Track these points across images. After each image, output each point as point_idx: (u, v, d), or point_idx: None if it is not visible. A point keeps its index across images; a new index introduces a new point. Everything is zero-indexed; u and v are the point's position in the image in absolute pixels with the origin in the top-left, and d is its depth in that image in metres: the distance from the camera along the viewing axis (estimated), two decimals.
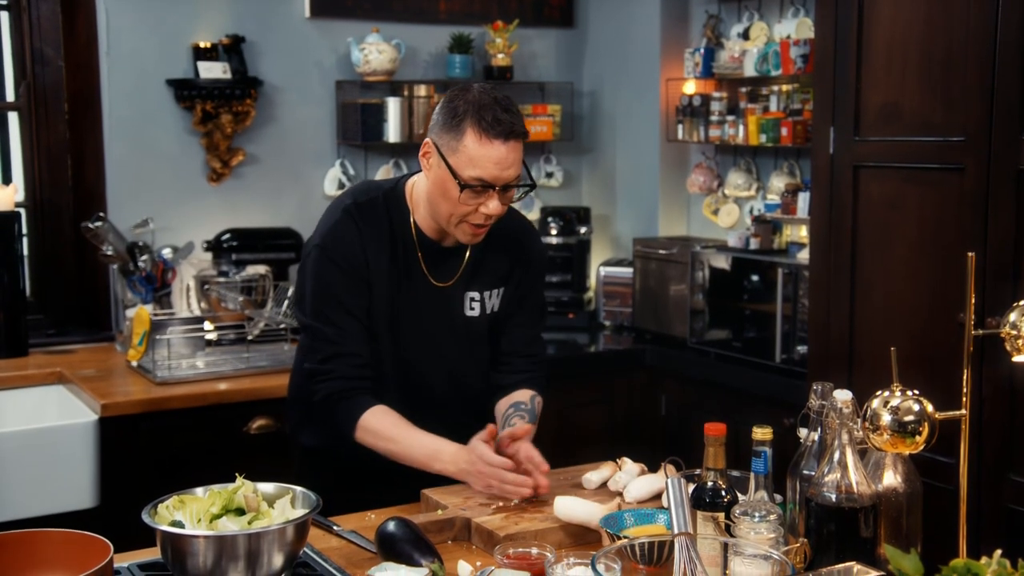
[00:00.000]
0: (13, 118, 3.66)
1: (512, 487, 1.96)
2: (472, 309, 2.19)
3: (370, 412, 2.08)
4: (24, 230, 3.54)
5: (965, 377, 1.61)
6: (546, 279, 2.33)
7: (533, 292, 2.28)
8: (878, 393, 1.58)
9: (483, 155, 1.95)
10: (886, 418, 1.55)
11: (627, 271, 4.00)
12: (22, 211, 3.53)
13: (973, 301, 1.59)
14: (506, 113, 1.97)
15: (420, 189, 2.12)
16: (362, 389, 2.10)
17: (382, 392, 2.13)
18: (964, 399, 1.61)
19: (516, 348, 2.26)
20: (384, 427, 2.07)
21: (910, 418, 1.54)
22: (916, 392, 1.57)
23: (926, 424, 1.54)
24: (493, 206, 1.99)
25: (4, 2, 3.60)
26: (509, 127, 1.96)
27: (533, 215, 4.20)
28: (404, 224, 2.12)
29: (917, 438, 1.54)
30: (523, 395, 2.23)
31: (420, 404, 2.15)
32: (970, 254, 1.58)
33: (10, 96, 3.66)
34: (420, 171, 2.13)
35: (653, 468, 2.08)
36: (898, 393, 1.56)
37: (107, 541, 1.52)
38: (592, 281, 4.19)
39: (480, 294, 2.19)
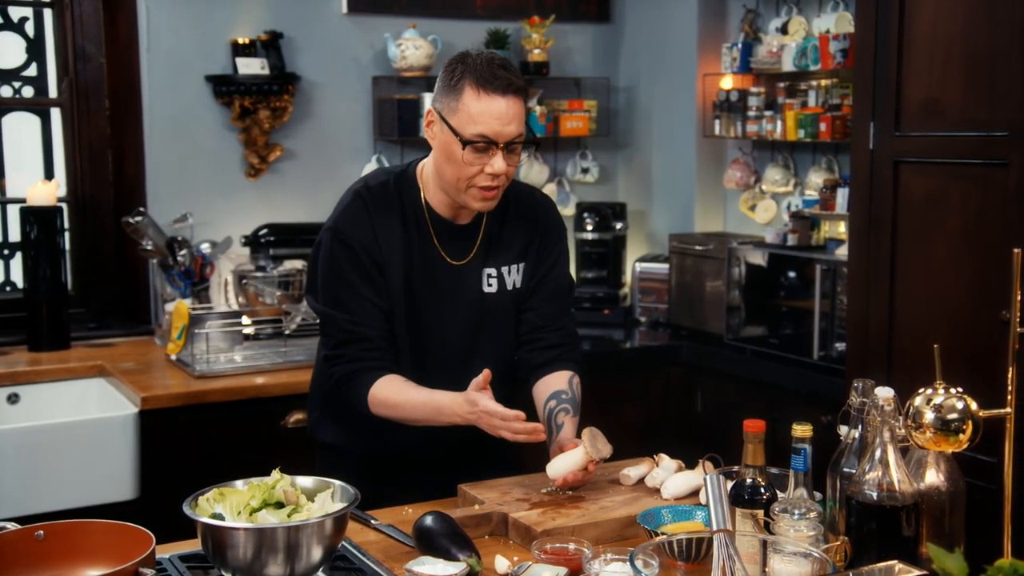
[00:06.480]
0: (55, 114, 3.70)
1: (524, 436, 1.93)
2: (490, 285, 2.16)
3: (376, 384, 2.07)
4: (66, 224, 3.59)
5: (1010, 375, 1.59)
6: (569, 253, 2.29)
7: (556, 264, 2.23)
8: (921, 391, 1.56)
9: (482, 110, 1.95)
10: (929, 416, 1.53)
11: (663, 267, 3.99)
12: (64, 206, 3.58)
13: (1020, 298, 1.57)
14: (502, 69, 1.98)
15: (430, 169, 2.11)
16: (372, 368, 2.08)
17: (399, 370, 2.11)
18: (1009, 397, 1.58)
19: (544, 323, 2.21)
20: (389, 394, 2.06)
21: (953, 416, 1.53)
22: (960, 390, 1.55)
23: (970, 422, 1.52)
24: (498, 164, 1.98)
25: (47, 0, 3.65)
26: (507, 81, 1.96)
27: (569, 211, 4.20)
28: (416, 204, 2.12)
29: (961, 436, 1.53)
30: (560, 380, 2.16)
31: (434, 380, 2.11)
32: (1016, 250, 1.56)
33: (53, 92, 3.70)
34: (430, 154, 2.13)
35: (690, 465, 2.08)
36: (941, 391, 1.55)
37: (149, 532, 1.53)
38: (628, 277, 4.18)
39: (498, 270, 2.17)
